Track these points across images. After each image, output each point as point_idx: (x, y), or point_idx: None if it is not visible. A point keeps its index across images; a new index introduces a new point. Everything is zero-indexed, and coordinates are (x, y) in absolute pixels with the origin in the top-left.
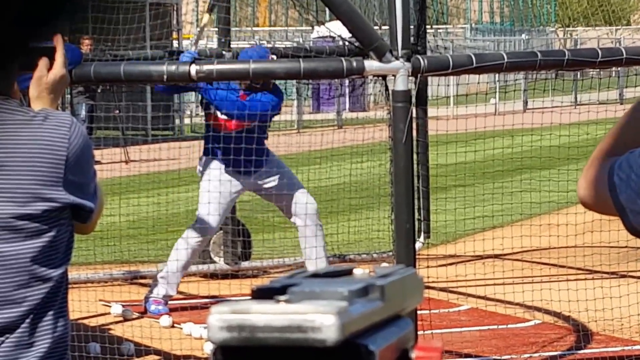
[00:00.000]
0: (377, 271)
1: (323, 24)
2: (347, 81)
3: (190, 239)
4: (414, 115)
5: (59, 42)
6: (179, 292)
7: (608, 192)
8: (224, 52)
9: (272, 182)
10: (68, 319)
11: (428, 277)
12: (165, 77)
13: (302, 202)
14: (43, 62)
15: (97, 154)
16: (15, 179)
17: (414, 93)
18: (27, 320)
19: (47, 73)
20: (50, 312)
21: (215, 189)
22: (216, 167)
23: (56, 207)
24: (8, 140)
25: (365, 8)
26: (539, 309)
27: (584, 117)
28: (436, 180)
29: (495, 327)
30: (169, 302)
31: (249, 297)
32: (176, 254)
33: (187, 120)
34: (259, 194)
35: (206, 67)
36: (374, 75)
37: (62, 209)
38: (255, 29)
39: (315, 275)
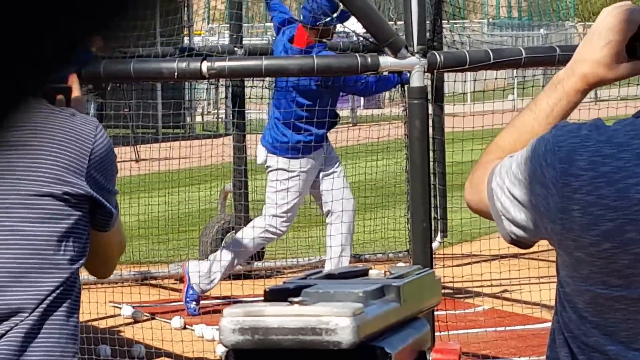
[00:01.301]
0: (393, 272)
1: None
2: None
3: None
4: (430, 112)
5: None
6: None
7: (487, 198)
8: (235, 49)
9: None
10: (79, 319)
11: (445, 277)
12: (176, 74)
13: (346, 196)
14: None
15: None
16: (40, 159)
17: (430, 89)
18: (39, 309)
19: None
20: (64, 305)
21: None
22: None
23: (77, 193)
24: (36, 124)
25: (379, 3)
26: None
27: (604, 113)
28: (453, 178)
29: (514, 327)
30: (178, 304)
31: (262, 299)
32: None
33: (198, 118)
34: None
35: (218, 64)
36: (389, 72)
37: (82, 198)
38: (267, 24)
39: (330, 276)
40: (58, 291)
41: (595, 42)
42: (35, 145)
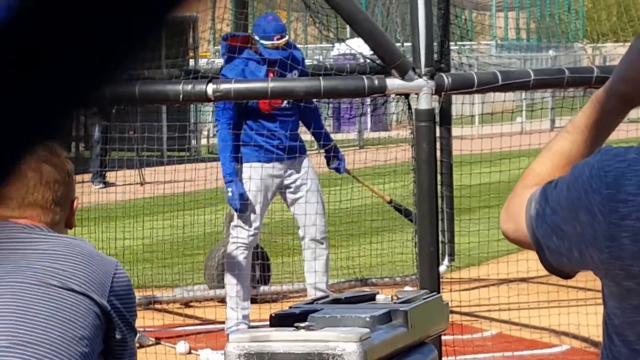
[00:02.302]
0: (400, 296)
1: (344, 41)
2: (368, 100)
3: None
4: (438, 134)
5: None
6: (196, 317)
7: (525, 227)
8: None
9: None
10: None
11: (452, 302)
12: (181, 96)
13: (317, 223)
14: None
15: (112, 175)
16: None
17: (437, 112)
18: None
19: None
20: None
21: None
22: None
23: (101, 303)
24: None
25: (387, 24)
26: (567, 334)
27: (613, 136)
28: (460, 201)
29: (522, 352)
30: (183, 329)
31: (268, 324)
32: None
33: (204, 141)
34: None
35: (223, 86)
36: (396, 94)
37: (104, 312)
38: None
39: (337, 300)
40: None
41: (637, 60)
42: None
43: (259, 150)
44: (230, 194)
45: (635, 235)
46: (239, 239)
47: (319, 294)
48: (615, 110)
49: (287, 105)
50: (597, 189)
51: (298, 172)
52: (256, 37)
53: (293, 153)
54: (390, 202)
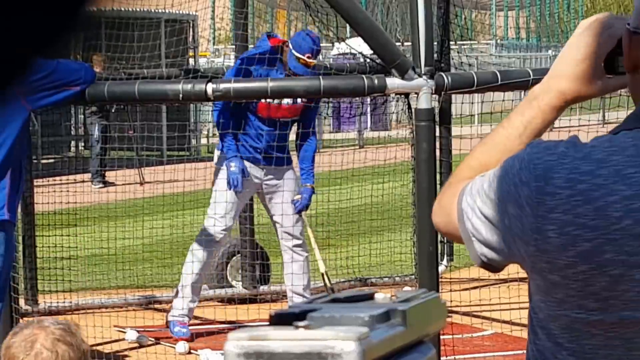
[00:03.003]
0: (399, 295)
1: (344, 40)
2: (368, 99)
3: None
4: (438, 134)
5: None
6: (195, 317)
7: (456, 220)
8: None
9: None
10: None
11: (451, 301)
12: (181, 96)
13: (293, 232)
14: None
15: (111, 175)
16: None
17: (437, 111)
18: None
19: None
20: None
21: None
22: None
23: None
24: None
25: (387, 24)
26: None
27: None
28: None
29: (520, 352)
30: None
31: (268, 323)
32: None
33: (203, 141)
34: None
35: (223, 86)
36: (396, 93)
37: None
38: None
39: (336, 300)
40: None
41: (573, 57)
42: None
43: (242, 148)
44: (233, 167)
45: (561, 229)
46: (208, 234)
47: (296, 297)
48: (550, 107)
49: (287, 120)
50: (526, 182)
51: (279, 179)
52: (290, 46)
53: (277, 160)
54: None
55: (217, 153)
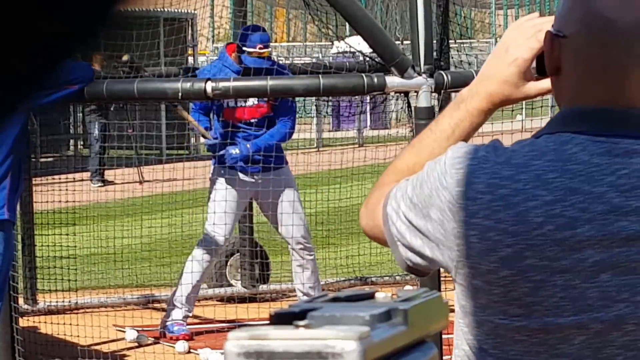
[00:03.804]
0: (399, 295)
1: (343, 39)
2: (368, 98)
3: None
4: None
5: None
6: (194, 317)
7: (382, 223)
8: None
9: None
10: None
11: (452, 300)
12: (180, 94)
13: (294, 234)
14: None
15: (111, 174)
16: None
17: (437, 110)
18: None
19: None
20: None
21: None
22: None
23: None
24: None
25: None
26: None
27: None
28: None
29: None
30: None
31: (268, 322)
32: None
33: (202, 139)
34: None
35: (222, 84)
36: (395, 92)
37: None
38: (273, 44)
39: (336, 299)
40: None
41: (502, 59)
42: None
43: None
44: (234, 151)
45: (482, 234)
46: (208, 244)
47: (305, 298)
48: (478, 110)
49: (260, 120)
50: (447, 187)
51: (272, 186)
52: (240, 44)
53: (266, 165)
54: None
55: (211, 166)
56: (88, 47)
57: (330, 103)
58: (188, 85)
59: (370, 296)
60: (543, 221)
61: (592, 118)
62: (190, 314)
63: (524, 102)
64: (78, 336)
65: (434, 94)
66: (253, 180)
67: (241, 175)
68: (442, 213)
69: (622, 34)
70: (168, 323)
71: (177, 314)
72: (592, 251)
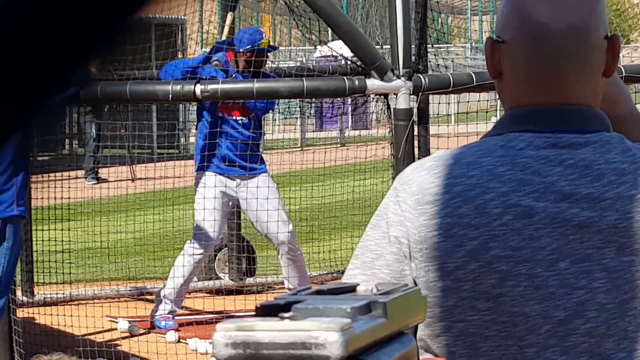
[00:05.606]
0: (379, 288)
1: (326, 43)
2: (349, 100)
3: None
4: (416, 133)
5: None
6: (184, 308)
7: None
8: None
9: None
10: None
11: None
12: (170, 96)
13: (277, 230)
14: None
15: (104, 172)
16: None
17: (415, 111)
18: None
19: None
20: None
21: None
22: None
23: None
24: None
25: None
26: None
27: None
28: None
29: None
30: (176, 318)
31: (254, 314)
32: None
33: (192, 139)
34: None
35: (211, 87)
36: (376, 94)
37: None
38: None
39: (319, 292)
40: None
41: None
42: None
43: (215, 160)
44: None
45: (447, 231)
46: (198, 243)
47: None
48: None
49: (245, 120)
50: (404, 199)
51: (251, 186)
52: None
53: (249, 168)
54: None
55: (195, 174)
56: (104, 57)
57: (313, 105)
58: (178, 87)
59: (352, 289)
60: (501, 212)
61: (535, 117)
62: (179, 309)
63: (498, 104)
64: (73, 326)
65: (412, 96)
66: (232, 181)
67: (221, 180)
68: (404, 226)
69: (556, 37)
70: (155, 318)
71: (164, 308)
72: (549, 239)
